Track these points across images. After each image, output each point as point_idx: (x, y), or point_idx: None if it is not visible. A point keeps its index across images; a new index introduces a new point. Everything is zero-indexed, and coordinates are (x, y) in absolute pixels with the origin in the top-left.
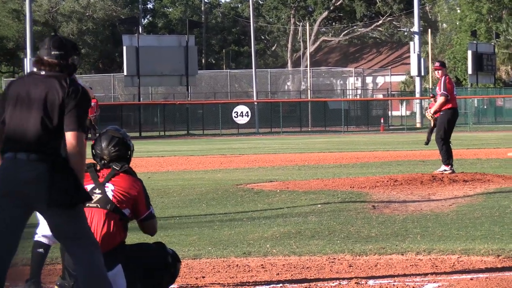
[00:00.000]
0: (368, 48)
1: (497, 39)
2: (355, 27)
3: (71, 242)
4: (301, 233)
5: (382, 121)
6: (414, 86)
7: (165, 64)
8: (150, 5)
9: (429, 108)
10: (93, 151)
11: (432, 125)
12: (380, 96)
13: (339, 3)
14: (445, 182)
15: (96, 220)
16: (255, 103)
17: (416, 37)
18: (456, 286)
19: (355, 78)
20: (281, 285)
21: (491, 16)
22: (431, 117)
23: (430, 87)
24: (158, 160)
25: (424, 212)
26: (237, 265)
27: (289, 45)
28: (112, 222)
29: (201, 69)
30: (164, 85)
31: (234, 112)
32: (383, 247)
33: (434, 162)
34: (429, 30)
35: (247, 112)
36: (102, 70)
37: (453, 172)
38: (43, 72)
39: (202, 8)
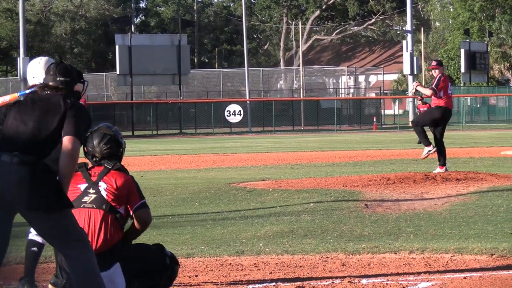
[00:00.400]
0: (360, 46)
1: (490, 38)
2: (347, 25)
3: (58, 243)
4: (294, 232)
5: (374, 119)
6: (407, 85)
7: (158, 63)
8: (142, 4)
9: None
10: (85, 148)
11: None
12: (373, 95)
13: (331, 2)
14: (438, 181)
15: (93, 220)
16: (248, 102)
17: (409, 36)
18: (450, 285)
19: (348, 77)
20: (274, 284)
21: (484, 14)
22: (414, 91)
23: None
24: (150, 159)
25: (417, 211)
26: (230, 264)
27: (282, 44)
28: (109, 222)
29: (193, 68)
30: (157, 84)
31: (227, 111)
32: (376, 246)
33: (426, 161)
34: (422, 28)
35: (240, 111)
36: (94, 69)
37: (446, 170)
38: (48, 92)
39: (195, 7)
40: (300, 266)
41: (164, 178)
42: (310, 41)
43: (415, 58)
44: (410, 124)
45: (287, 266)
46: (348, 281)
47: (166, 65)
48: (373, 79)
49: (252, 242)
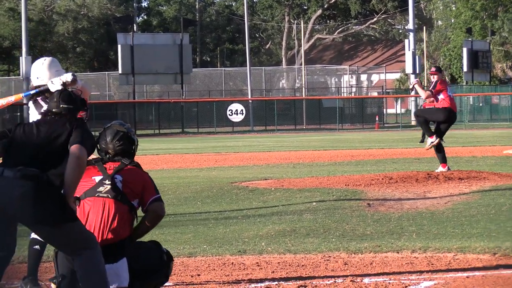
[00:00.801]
0: (362, 45)
1: (492, 36)
2: (349, 24)
3: (64, 250)
4: (296, 231)
5: (377, 118)
6: (409, 84)
7: (160, 62)
8: (144, 4)
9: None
10: (98, 145)
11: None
12: (375, 94)
13: (333, 1)
14: (440, 180)
15: (107, 209)
16: (250, 101)
17: (411, 35)
18: (452, 284)
19: (350, 76)
20: (276, 283)
21: (486, 13)
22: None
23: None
24: (153, 158)
25: (419, 210)
26: (232, 263)
27: (284, 43)
28: (122, 213)
29: (195, 67)
30: (159, 83)
31: (229, 110)
32: (378, 245)
33: (429, 160)
34: (424, 27)
35: (242, 110)
36: (97, 69)
37: (448, 169)
38: (52, 117)
39: (197, 7)
40: (303, 265)
41: (166, 177)
42: (312, 40)
43: (417, 57)
44: (413, 117)
45: (290, 265)
46: (351, 280)
47: (168, 64)
48: (375, 78)
49: (254, 241)
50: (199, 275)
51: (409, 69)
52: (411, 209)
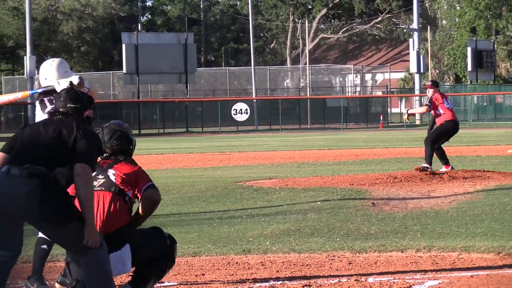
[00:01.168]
0: (367, 45)
1: (496, 36)
2: (354, 24)
3: (69, 247)
4: (300, 231)
5: (381, 118)
6: (414, 83)
7: (164, 61)
8: (149, 3)
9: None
10: None
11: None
12: (379, 93)
13: (338, 0)
14: (445, 179)
15: (102, 202)
16: (254, 100)
17: (415, 34)
18: (456, 283)
19: (354, 75)
20: (280, 282)
21: (490, 12)
22: (407, 116)
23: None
24: (157, 158)
25: (424, 209)
26: (236, 263)
27: (288, 43)
28: (117, 203)
29: (200, 66)
30: (163, 82)
31: (233, 110)
32: (383, 244)
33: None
34: (429, 27)
35: (246, 109)
36: (101, 68)
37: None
38: (59, 117)
39: (201, 6)
40: (307, 265)
41: (170, 177)
42: (317, 40)
43: (421, 56)
44: (424, 142)
45: (294, 264)
46: (355, 280)
47: (172, 63)
48: (379, 77)
49: (259, 240)
50: (203, 274)
51: (413, 68)
52: (415, 208)
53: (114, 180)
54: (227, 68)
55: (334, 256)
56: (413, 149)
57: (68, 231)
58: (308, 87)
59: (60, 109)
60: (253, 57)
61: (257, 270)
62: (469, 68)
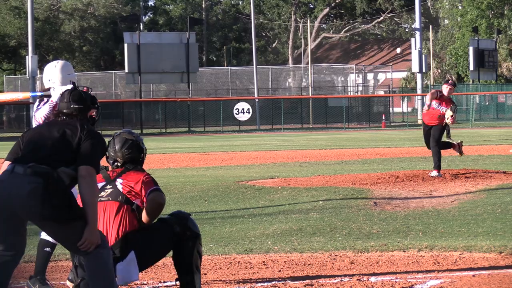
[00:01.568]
0: (369, 44)
1: (498, 35)
2: (356, 23)
3: (71, 246)
4: (302, 230)
5: (383, 117)
6: (416, 83)
7: (166, 61)
8: (151, 2)
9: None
10: (106, 153)
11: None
12: (381, 93)
13: None
14: (447, 179)
15: (108, 212)
16: (256, 100)
17: (418, 34)
18: (458, 283)
19: (356, 74)
20: (282, 282)
21: (492, 12)
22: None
23: (432, 83)
24: (159, 157)
25: (426, 208)
26: (238, 262)
27: (290, 42)
28: (124, 212)
29: (202, 66)
30: (165, 82)
31: (235, 109)
32: (385, 244)
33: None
34: (431, 26)
35: (248, 109)
36: (103, 68)
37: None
38: (63, 118)
39: (203, 5)
40: (309, 264)
41: (172, 176)
42: (319, 39)
43: (423, 56)
44: (432, 149)
45: (296, 264)
46: (357, 279)
47: (174, 63)
48: (381, 77)
49: (261, 240)
50: (205, 274)
51: (415, 68)
52: (417, 208)
53: (121, 190)
54: (229, 67)
55: (336, 255)
56: (415, 148)
57: (71, 231)
58: (310, 87)
59: (64, 110)
60: (255, 56)
61: (259, 270)
62: (471, 67)
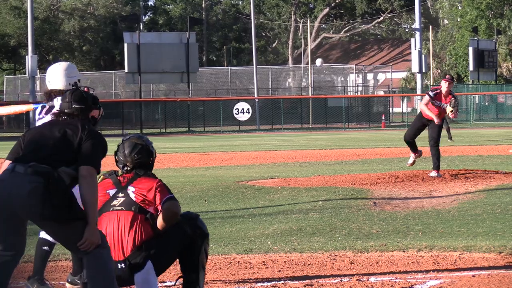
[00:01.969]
0: (369, 44)
1: (498, 35)
2: (356, 24)
3: (71, 246)
4: (302, 230)
5: (383, 117)
6: (415, 83)
7: (166, 61)
8: (151, 2)
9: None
10: (116, 157)
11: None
12: (381, 93)
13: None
14: (446, 179)
15: (122, 222)
16: (256, 100)
17: (417, 34)
18: (458, 283)
19: (356, 75)
20: (282, 282)
21: (492, 12)
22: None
23: (431, 83)
24: (159, 157)
25: (425, 208)
26: (238, 262)
27: (290, 42)
28: (139, 222)
29: (202, 66)
30: (165, 82)
31: (235, 109)
32: (384, 244)
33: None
34: (430, 26)
35: (248, 109)
36: (103, 67)
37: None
38: (64, 118)
39: (203, 5)
40: (309, 264)
41: (172, 176)
42: (319, 39)
43: (423, 56)
44: (430, 148)
45: (296, 264)
46: (357, 279)
47: (174, 63)
48: (381, 77)
49: (261, 240)
50: (205, 274)
51: (415, 68)
52: (417, 208)
53: (134, 199)
54: (229, 67)
55: (336, 255)
56: None
57: (71, 231)
58: (310, 87)
59: (65, 110)
60: (255, 56)
61: (258, 270)
62: (471, 68)
